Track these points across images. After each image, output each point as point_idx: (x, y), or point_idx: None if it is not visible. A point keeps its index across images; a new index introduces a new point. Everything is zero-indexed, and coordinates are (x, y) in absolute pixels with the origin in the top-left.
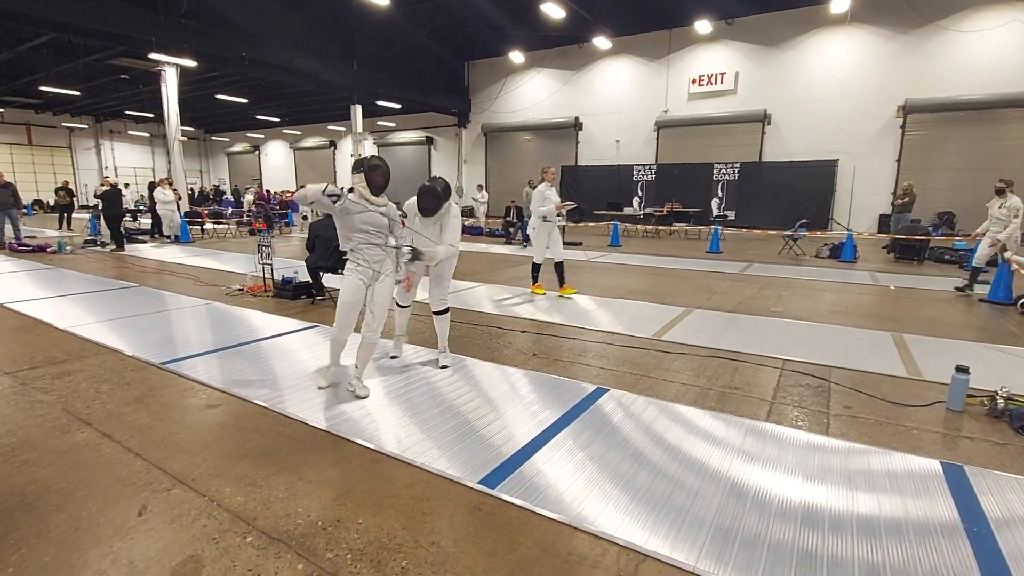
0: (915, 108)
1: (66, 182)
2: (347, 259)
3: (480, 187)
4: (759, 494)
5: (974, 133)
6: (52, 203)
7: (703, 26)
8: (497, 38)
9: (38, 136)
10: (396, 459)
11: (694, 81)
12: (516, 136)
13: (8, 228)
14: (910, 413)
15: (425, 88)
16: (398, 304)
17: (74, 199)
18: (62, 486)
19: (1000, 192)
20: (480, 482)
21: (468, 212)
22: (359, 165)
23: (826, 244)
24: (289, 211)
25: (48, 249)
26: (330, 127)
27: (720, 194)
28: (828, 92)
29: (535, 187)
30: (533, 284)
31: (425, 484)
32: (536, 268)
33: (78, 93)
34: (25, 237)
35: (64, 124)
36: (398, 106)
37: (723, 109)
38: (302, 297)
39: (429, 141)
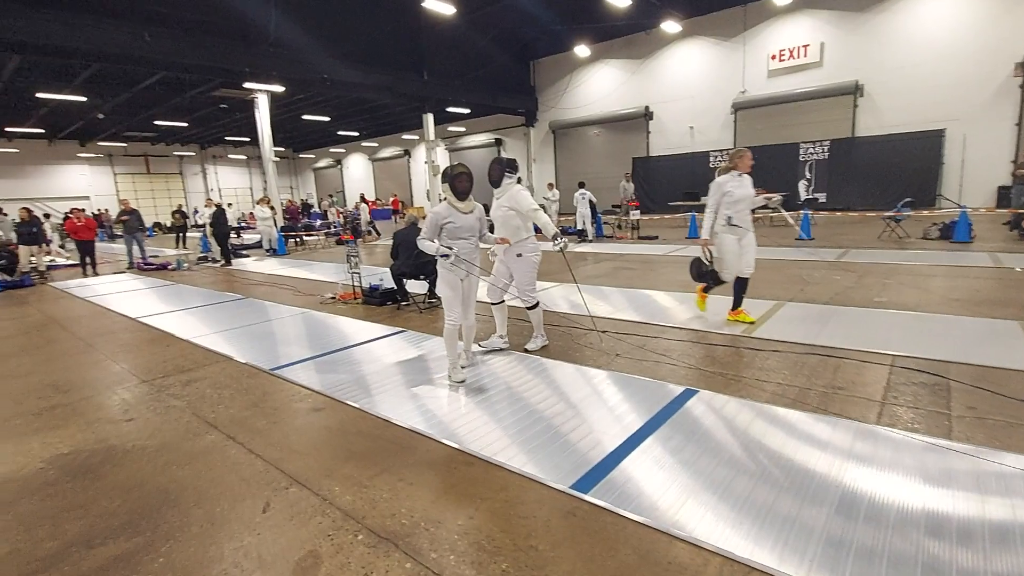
0: None
1: (180, 205)
2: (444, 256)
3: (551, 185)
4: (874, 502)
5: None
6: (169, 225)
7: None
8: (561, 34)
9: (154, 165)
10: (488, 462)
11: (773, 57)
12: (584, 131)
13: (135, 249)
14: None
15: (492, 91)
16: (493, 303)
17: (187, 220)
18: (197, 485)
19: None
20: (572, 487)
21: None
22: (444, 176)
23: (935, 224)
24: (372, 221)
25: (168, 267)
26: (404, 136)
27: (808, 175)
28: (929, 55)
29: (630, 179)
30: (703, 295)
31: (518, 487)
32: (715, 281)
33: (186, 124)
34: (150, 256)
35: (175, 153)
36: (467, 111)
37: (808, 84)
38: (388, 303)
39: (498, 143)
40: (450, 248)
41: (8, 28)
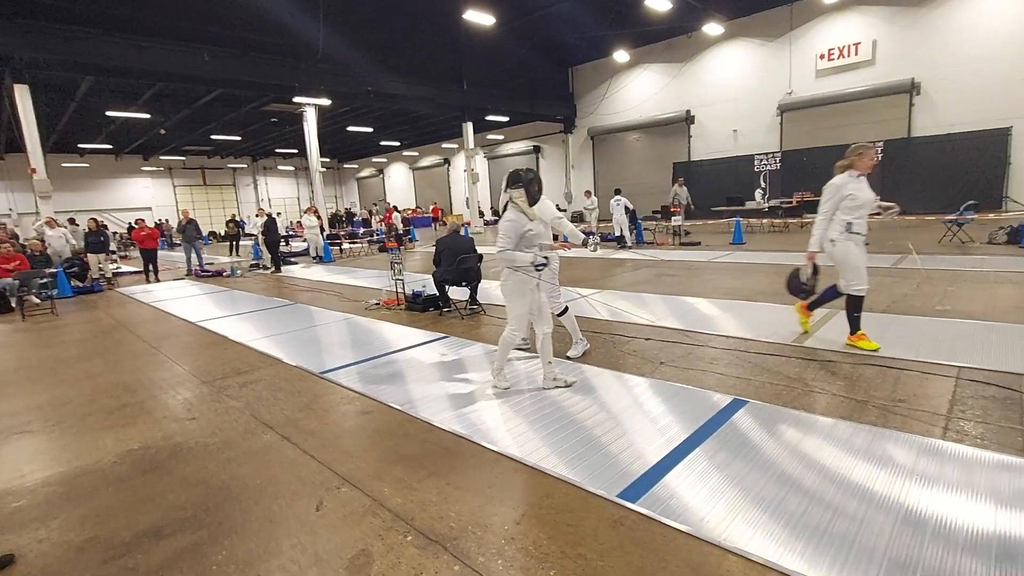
0: None
1: (233, 215)
2: (541, 267)
3: (588, 193)
4: (941, 523)
5: None
6: (223, 233)
7: None
8: (600, 40)
9: (210, 177)
10: (532, 468)
11: (822, 56)
12: (623, 137)
13: (193, 257)
14: None
15: (531, 99)
16: (555, 314)
17: (240, 229)
18: (256, 482)
19: None
20: (619, 495)
21: (579, 217)
22: (517, 179)
23: (1002, 227)
24: (411, 228)
25: (223, 274)
26: (443, 145)
27: None
28: (992, 49)
29: (682, 184)
30: (806, 313)
31: (563, 495)
32: (811, 295)
33: (239, 138)
34: (206, 264)
35: (229, 165)
36: (506, 119)
37: (859, 83)
38: (430, 309)
39: (536, 150)
40: (546, 257)
41: (83, 52)
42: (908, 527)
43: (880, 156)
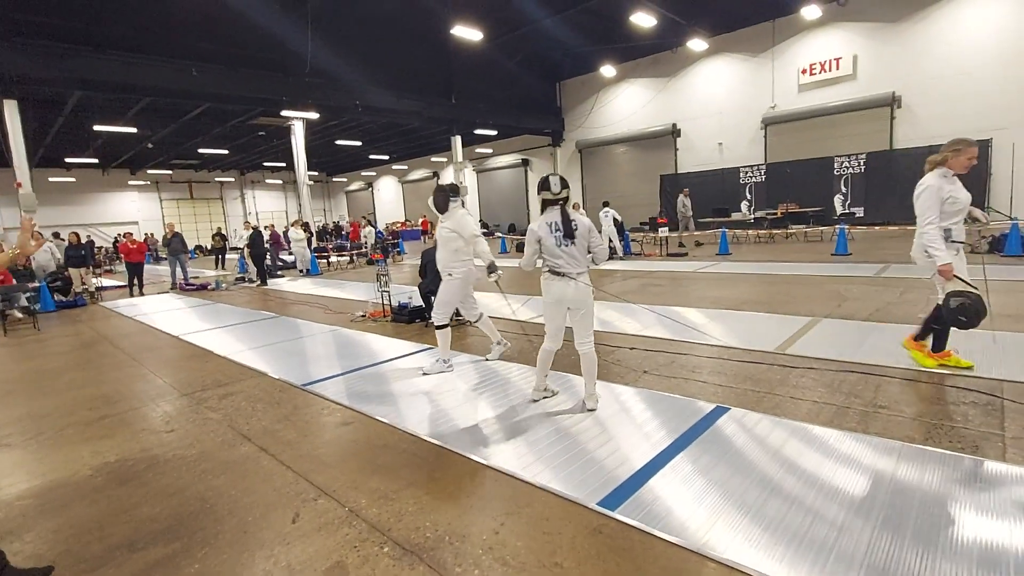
0: None
1: (219, 228)
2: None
3: (576, 206)
4: (920, 529)
5: None
6: (209, 247)
7: (811, 11)
8: (587, 55)
9: (197, 191)
10: (513, 477)
11: (804, 71)
12: (611, 150)
13: (178, 271)
14: None
15: (519, 112)
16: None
17: (226, 242)
18: (232, 493)
19: None
20: (599, 504)
21: None
22: (545, 185)
23: (984, 236)
24: (400, 240)
25: (208, 287)
26: (433, 159)
27: (844, 189)
28: (971, 63)
29: (686, 195)
30: (934, 350)
31: (543, 503)
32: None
33: (227, 152)
34: (191, 277)
35: (216, 179)
36: (494, 132)
37: (841, 97)
38: (416, 321)
39: (525, 163)
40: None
41: (72, 68)
42: (887, 533)
43: (863, 167)
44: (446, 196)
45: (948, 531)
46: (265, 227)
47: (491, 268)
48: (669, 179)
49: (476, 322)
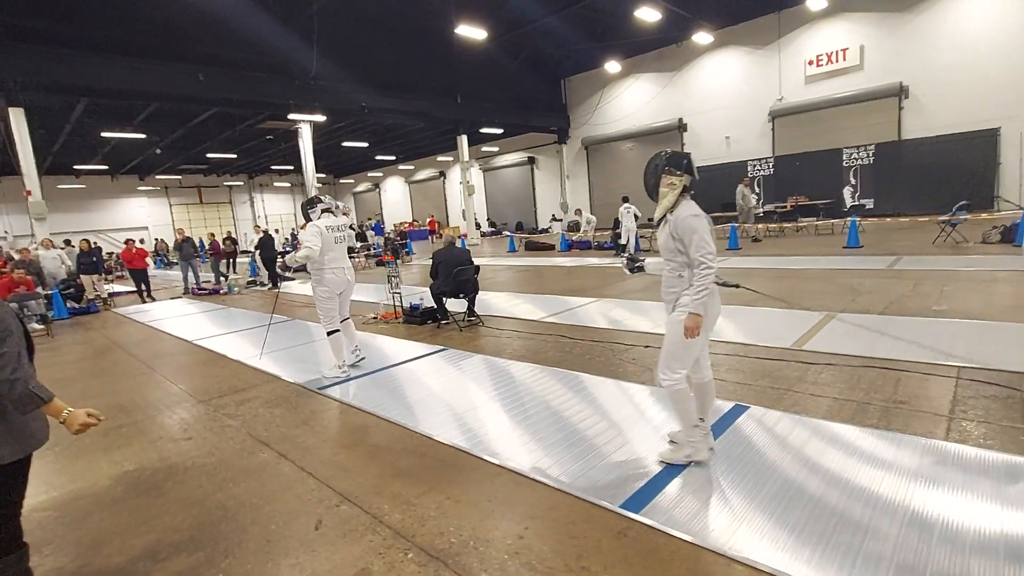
0: None
1: (229, 232)
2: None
3: (579, 212)
4: (947, 526)
5: None
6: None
7: (817, 2)
8: (591, 52)
9: (206, 195)
10: (534, 480)
11: (811, 62)
12: (617, 146)
13: (190, 275)
14: None
15: (524, 110)
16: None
17: (236, 246)
18: (253, 501)
19: None
20: (622, 506)
21: (575, 227)
22: (679, 158)
23: (995, 227)
24: (408, 241)
25: (220, 291)
26: (439, 159)
27: (853, 181)
28: (979, 52)
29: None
30: None
31: (566, 506)
32: None
33: (235, 156)
34: (203, 282)
35: (225, 183)
36: (500, 131)
37: (848, 88)
38: (428, 322)
39: (531, 161)
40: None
41: (78, 75)
42: (914, 531)
43: (872, 159)
44: (304, 208)
45: (975, 528)
46: (275, 230)
47: (284, 267)
48: None
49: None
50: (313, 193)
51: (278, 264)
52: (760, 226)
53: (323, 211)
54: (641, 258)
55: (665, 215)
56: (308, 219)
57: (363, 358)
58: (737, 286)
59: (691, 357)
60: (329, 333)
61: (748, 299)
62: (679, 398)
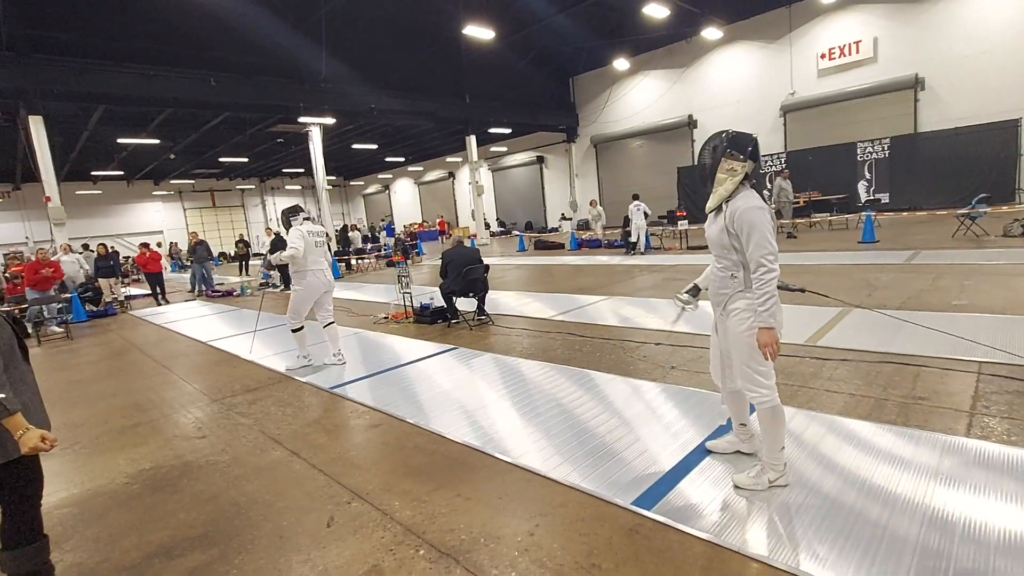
0: None
1: (241, 235)
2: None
3: (593, 203)
4: (971, 524)
5: None
6: (232, 253)
7: None
8: (599, 50)
9: (219, 199)
10: (545, 477)
11: (823, 56)
12: (626, 144)
13: (202, 276)
14: None
15: (533, 109)
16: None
17: (249, 248)
18: (265, 498)
19: None
20: (633, 503)
21: (584, 226)
22: (744, 141)
23: (1017, 220)
24: (418, 242)
25: (234, 293)
26: (448, 159)
27: (868, 175)
28: (996, 42)
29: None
30: None
31: (577, 504)
32: None
33: (246, 159)
34: (216, 284)
35: (237, 187)
36: (508, 131)
37: (862, 81)
38: (438, 321)
39: (540, 160)
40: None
41: (94, 83)
42: (935, 530)
43: (887, 152)
44: (286, 216)
45: (999, 527)
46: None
47: (268, 265)
48: (686, 171)
49: (295, 331)
50: (324, 196)
51: (262, 263)
52: (786, 221)
53: (304, 219)
54: (695, 301)
55: (720, 205)
56: (289, 226)
57: (344, 362)
58: (803, 290)
59: (772, 366)
60: (293, 331)
61: None
62: (778, 415)
